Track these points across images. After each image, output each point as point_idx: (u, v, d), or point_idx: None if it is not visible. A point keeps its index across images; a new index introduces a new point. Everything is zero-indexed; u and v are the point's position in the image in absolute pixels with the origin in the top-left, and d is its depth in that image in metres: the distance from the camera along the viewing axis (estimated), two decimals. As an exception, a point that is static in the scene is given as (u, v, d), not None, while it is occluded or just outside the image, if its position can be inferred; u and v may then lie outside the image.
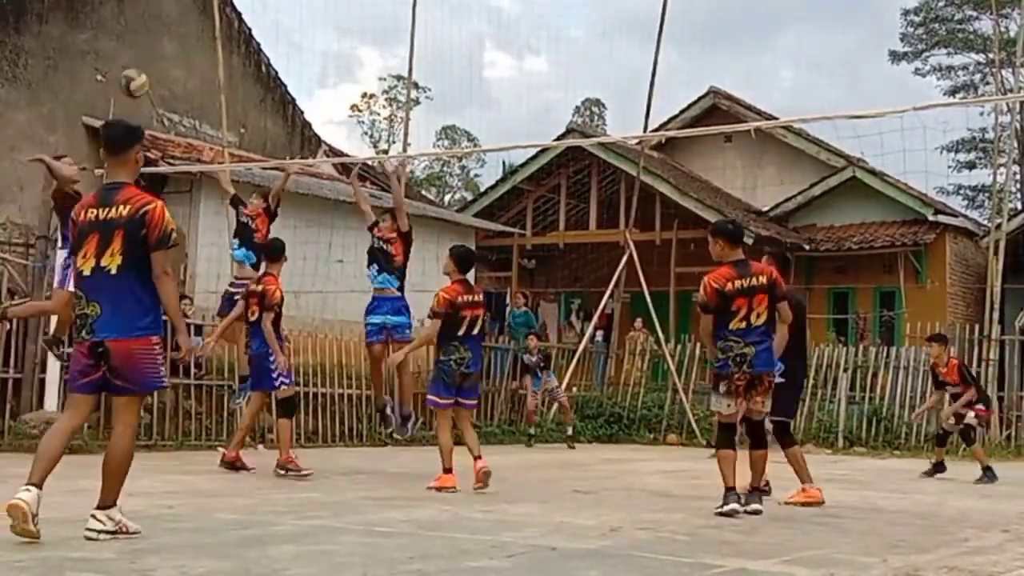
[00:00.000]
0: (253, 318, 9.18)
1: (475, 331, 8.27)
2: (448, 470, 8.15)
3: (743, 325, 6.98)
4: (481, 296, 8.47)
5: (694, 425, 16.79)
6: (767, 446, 7.31)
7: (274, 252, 9.56)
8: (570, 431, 15.54)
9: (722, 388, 7.04)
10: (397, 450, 13.33)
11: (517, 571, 4.67)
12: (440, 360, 8.24)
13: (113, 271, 5.08)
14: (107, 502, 5.09)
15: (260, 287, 9.22)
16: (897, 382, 16.64)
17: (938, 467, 11.71)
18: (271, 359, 9.07)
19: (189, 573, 4.31)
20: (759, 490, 7.15)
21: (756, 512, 6.93)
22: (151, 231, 5.09)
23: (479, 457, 8.15)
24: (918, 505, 8.17)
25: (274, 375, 9.07)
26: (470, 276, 8.62)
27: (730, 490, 6.94)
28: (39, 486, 4.90)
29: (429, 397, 8.46)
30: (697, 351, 17.91)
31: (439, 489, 7.98)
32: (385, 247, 10.43)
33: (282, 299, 9.29)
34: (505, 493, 8.07)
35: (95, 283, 5.11)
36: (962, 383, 11.70)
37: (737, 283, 7.02)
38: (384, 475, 9.95)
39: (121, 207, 5.11)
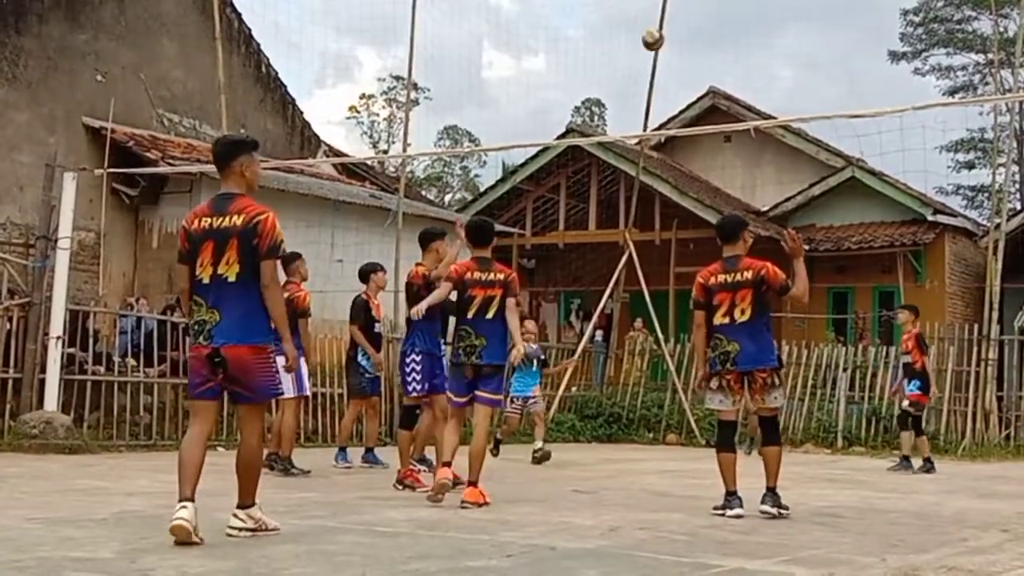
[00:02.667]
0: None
1: (488, 315, 7.22)
2: (447, 463, 7.33)
3: (726, 320, 6.96)
4: (500, 275, 7.32)
5: (693, 425, 16.80)
6: (779, 442, 7.20)
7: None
8: (539, 444, 12.05)
9: (713, 384, 7.05)
10: (395, 450, 13.32)
11: (516, 570, 4.67)
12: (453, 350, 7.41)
13: (231, 279, 5.23)
14: (246, 502, 5.36)
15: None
16: (896, 382, 16.63)
17: (928, 464, 12.03)
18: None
19: (188, 573, 4.32)
20: (772, 490, 7.00)
21: (767, 515, 6.82)
22: (262, 240, 5.23)
23: (448, 464, 7.28)
24: (917, 505, 8.18)
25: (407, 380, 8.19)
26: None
27: (731, 494, 6.92)
28: (192, 499, 5.03)
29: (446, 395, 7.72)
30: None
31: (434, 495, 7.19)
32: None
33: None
34: (504, 493, 8.07)
35: (214, 290, 5.23)
36: (916, 351, 12.09)
37: (721, 278, 7.01)
38: (384, 475, 9.94)
39: (235, 216, 5.26)
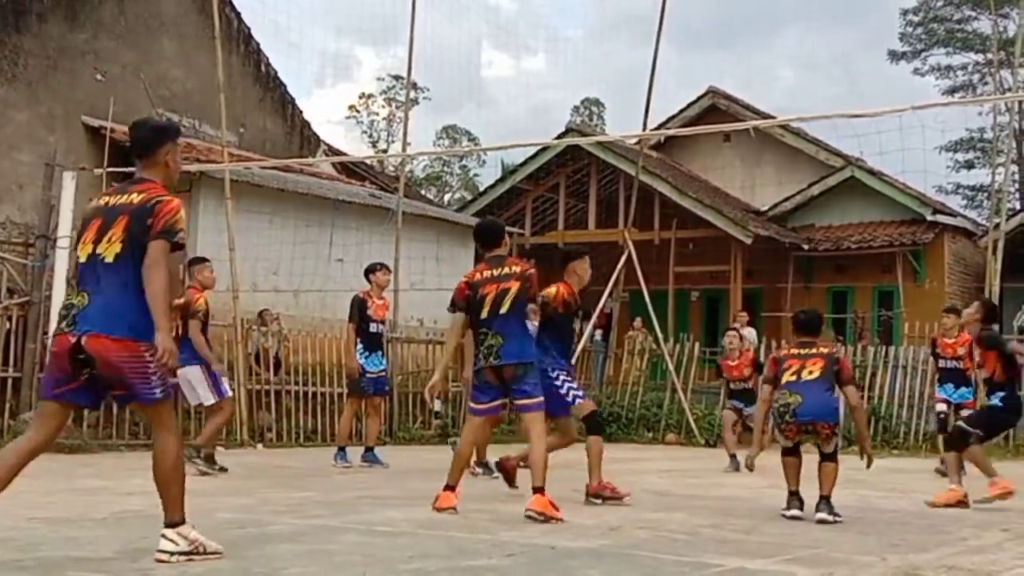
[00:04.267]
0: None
1: (503, 309, 6.65)
2: (450, 487, 6.67)
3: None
4: (516, 268, 6.85)
5: (693, 425, 16.79)
6: (835, 460, 7.36)
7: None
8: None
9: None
10: (397, 449, 13.34)
11: (516, 570, 4.67)
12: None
13: (109, 259, 4.52)
14: (173, 518, 4.52)
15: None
16: (896, 381, 16.63)
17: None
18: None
19: (189, 573, 4.31)
20: (826, 499, 7.06)
21: (823, 522, 6.82)
22: (157, 220, 4.51)
23: (537, 489, 6.35)
24: (917, 504, 8.17)
25: (564, 392, 7.52)
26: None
27: (793, 494, 7.05)
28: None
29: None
30: (696, 350, 17.91)
31: (436, 509, 6.57)
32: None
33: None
34: (504, 492, 8.06)
35: (89, 271, 4.56)
36: (969, 357, 10.90)
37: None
38: (383, 474, 9.95)
39: (134, 195, 4.61)
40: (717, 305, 22.38)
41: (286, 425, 13.85)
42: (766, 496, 8.20)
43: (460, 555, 4.92)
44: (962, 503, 7.89)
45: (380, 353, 10.67)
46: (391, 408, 14.84)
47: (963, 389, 11.16)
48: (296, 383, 14.14)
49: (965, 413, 11.15)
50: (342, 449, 10.53)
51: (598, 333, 20.19)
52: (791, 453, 7.21)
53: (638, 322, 19.92)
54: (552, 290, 7.77)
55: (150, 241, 4.49)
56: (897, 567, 4.99)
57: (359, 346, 10.41)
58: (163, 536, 4.49)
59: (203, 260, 9.90)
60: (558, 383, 7.44)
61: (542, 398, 6.69)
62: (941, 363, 11.29)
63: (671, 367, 17.73)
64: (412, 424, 15.35)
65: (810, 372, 7.11)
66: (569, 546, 5.35)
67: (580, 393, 7.62)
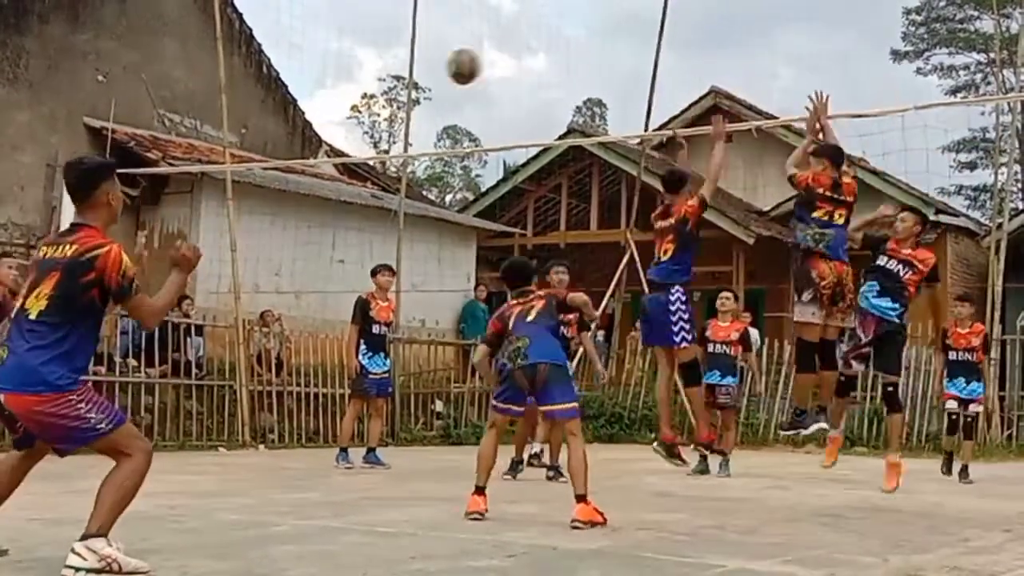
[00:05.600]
0: None
1: (529, 318, 6.55)
2: (479, 489, 6.49)
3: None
4: (541, 292, 6.87)
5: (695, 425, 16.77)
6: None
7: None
8: (537, 447, 11.61)
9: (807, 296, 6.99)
10: (398, 450, 13.34)
11: (518, 571, 4.67)
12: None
13: (32, 316, 4.33)
14: (92, 530, 4.31)
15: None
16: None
17: (949, 459, 10.93)
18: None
19: (190, 573, 4.31)
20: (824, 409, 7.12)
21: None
22: (109, 279, 4.32)
23: (580, 498, 6.23)
24: (919, 505, 8.16)
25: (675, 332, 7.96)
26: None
27: (802, 412, 7.14)
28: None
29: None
30: (696, 351, 17.87)
31: (467, 514, 6.39)
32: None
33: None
34: (505, 493, 8.06)
35: (13, 325, 4.42)
36: (982, 349, 10.98)
37: None
38: (385, 475, 9.95)
39: (68, 247, 4.38)
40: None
41: (288, 426, 13.85)
42: (767, 497, 8.21)
43: (462, 556, 4.92)
44: None
45: (383, 355, 10.66)
46: (393, 409, 14.84)
47: (974, 384, 10.93)
48: (298, 384, 14.14)
49: (975, 409, 11.10)
50: (344, 450, 10.53)
51: (600, 334, 20.17)
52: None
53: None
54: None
55: (122, 305, 4.45)
56: (899, 568, 4.98)
57: (362, 347, 10.43)
58: (72, 550, 4.24)
59: (4, 255, 9.54)
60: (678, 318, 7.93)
61: (575, 404, 6.53)
62: (952, 355, 10.98)
63: (673, 367, 17.69)
64: (414, 425, 15.35)
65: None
66: (570, 547, 5.34)
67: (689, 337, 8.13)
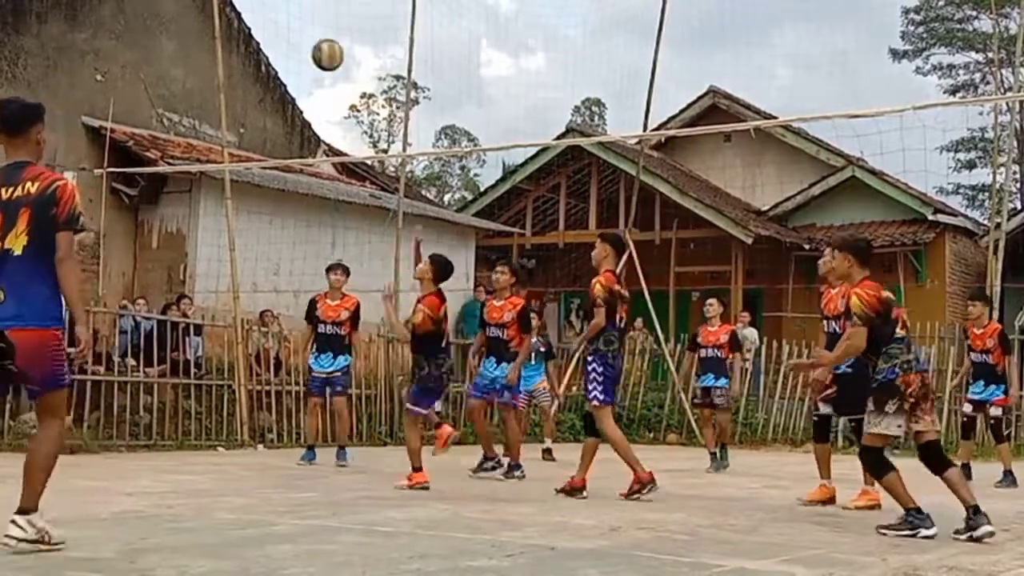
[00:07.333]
0: None
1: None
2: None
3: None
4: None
5: (694, 425, 16.77)
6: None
7: None
8: (548, 443, 12.74)
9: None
10: (397, 450, 13.32)
11: (516, 570, 4.67)
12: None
13: (17, 252, 4.63)
14: (28, 505, 4.64)
15: None
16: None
17: (964, 470, 10.01)
18: None
19: (188, 573, 4.31)
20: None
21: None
22: (60, 208, 4.65)
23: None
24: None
25: None
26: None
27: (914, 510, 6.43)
28: None
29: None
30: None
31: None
32: (501, 335, 9.62)
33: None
34: (504, 493, 8.07)
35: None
36: (999, 350, 10.60)
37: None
38: (383, 475, 9.94)
39: (30, 184, 4.69)
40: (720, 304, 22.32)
41: (286, 426, 13.83)
42: (766, 496, 8.20)
43: (460, 555, 4.92)
44: None
45: (332, 354, 10.57)
46: (391, 409, 14.84)
47: (993, 387, 10.71)
48: (296, 384, 14.11)
49: (995, 412, 10.88)
50: (310, 448, 10.70)
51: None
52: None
53: (639, 322, 19.88)
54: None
55: (57, 232, 4.65)
56: (898, 567, 4.98)
57: (313, 346, 10.56)
58: (12, 522, 4.58)
59: None
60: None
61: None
62: (972, 356, 10.78)
63: (672, 367, 17.72)
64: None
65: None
66: (569, 547, 5.34)
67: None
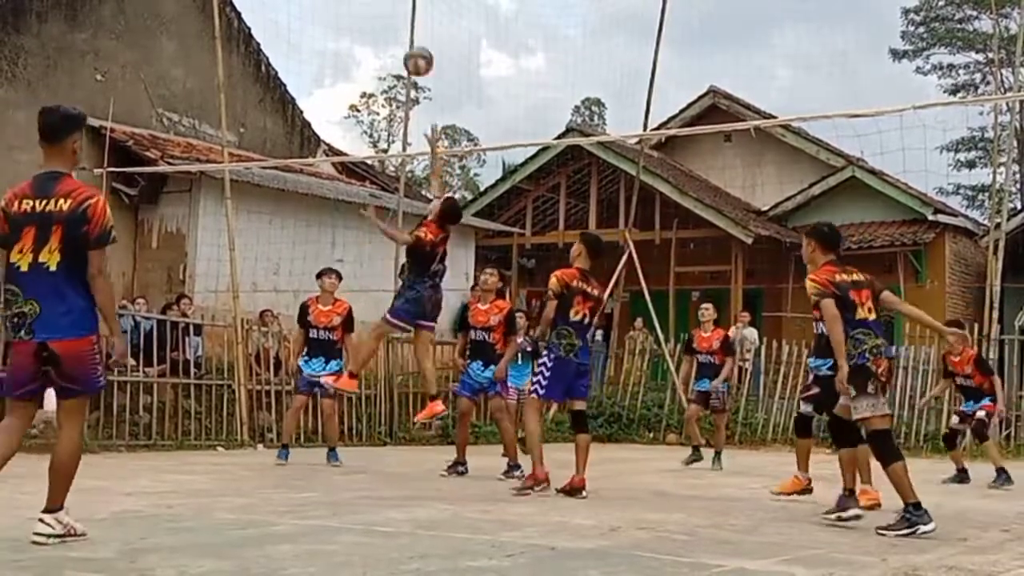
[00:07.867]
0: None
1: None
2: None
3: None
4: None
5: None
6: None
7: None
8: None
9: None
10: (396, 450, 13.33)
11: (516, 571, 4.67)
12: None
13: (52, 268, 4.82)
14: (55, 505, 4.91)
15: None
16: (896, 382, 16.62)
17: (962, 475, 10.78)
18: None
19: (188, 572, 4.31)
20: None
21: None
22: (92, 227, 4.84)
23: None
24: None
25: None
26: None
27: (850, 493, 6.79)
28: None
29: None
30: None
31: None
32: (487, 338, 9.81)
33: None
34: (504, 493, 8.07)
35: (32, 280, 4.84)
36: (978, 375, 10.89)
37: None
38: (383, 475, 9.95)
39: (62, 200, 4.86)
40: (718, 305, 22.30)
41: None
42: (766, 496, 8.20)
43: (460, 556, 4.92)
44: None
45: (324, 358, 10.51)
46: (391, 409, 14.85)
47: (984, 400, 10.94)
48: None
49: (981, 414, 11.08)
50: (284, 446, 10.70)
51: (599, 333, 20.17)
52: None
53: (639, 322, 19.91)
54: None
55: (91, 250, 4.85)
56: (897, 567, 4.98)
57: (305, 349, 10.56)
58: (41, 520, 4.85)
59: None
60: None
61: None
62: (958, 380, 11.07)
63: (672, 367, 17.72)
64: (412, 425, 15.34)
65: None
66: (569, 547, 5.34)
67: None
